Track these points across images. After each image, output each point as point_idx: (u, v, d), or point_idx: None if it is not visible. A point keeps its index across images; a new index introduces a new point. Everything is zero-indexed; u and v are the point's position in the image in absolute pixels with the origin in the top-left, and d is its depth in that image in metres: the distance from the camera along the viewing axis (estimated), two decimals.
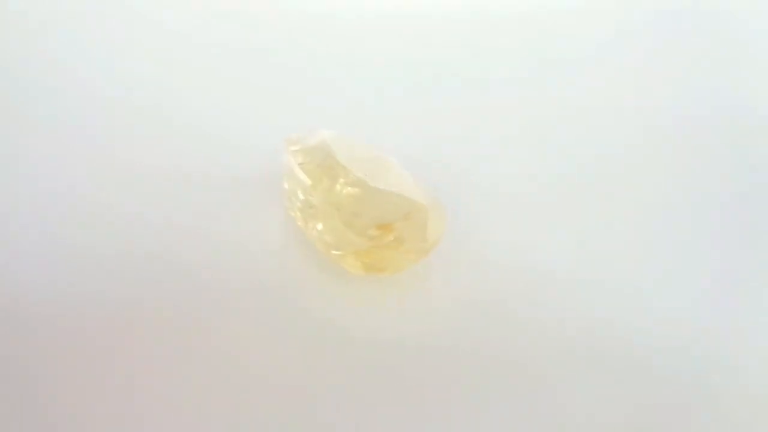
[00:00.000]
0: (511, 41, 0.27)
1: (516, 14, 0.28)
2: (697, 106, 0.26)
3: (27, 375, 0.21)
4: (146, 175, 0.24)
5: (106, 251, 0.22)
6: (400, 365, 0.22)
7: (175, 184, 0.24)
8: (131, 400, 0.21)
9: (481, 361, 0.22)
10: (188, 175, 0.24)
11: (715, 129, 0.26)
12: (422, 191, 0.22)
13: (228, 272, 0.22)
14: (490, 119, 0.26)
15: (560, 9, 0.28)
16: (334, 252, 0.22)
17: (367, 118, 0.25)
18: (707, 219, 0.24)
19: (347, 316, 0.22)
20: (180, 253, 0.23)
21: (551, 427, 0.21)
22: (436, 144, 0.25)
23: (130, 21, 0.27)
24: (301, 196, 0.22)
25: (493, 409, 0.21)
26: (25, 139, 0.24)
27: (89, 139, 0.24)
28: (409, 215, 0.21)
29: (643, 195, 0.25)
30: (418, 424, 0.21)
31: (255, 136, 0.24)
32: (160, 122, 0.25)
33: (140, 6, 0.27)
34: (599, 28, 0.28)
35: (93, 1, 0.27)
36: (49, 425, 0.20)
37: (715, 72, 0.27)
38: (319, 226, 0.22)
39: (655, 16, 0.28)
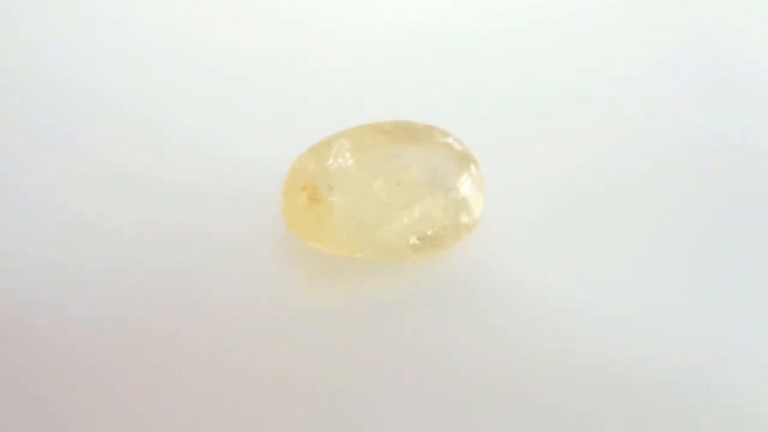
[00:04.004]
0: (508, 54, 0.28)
1: (516, 20, 0.28)
2: (715, 133, 0.26)
3: (29, 375, 0.21)
4: (145, 184, 0.24)
5: (104, 258, 0.23)
6: (399, 365, 0.21)
7: (174, 193, 0.24)
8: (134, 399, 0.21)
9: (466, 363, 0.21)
10: (187, 186, 0.24)
11: (730, 159, 0.25)
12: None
13: (224, 276, 0.23)
14: (498, 130, 0.26)
15: (565, 23, 0.28)
16: None
17: None
18: (713, 240, 0.24)
19: (344, 317, 0.22)
20: (177, 259, 0.23)
21: None
22: None
23: (135, 32, 0.28)
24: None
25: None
26: (28, 152, 0.25)
27: (89, 150, 0.25)
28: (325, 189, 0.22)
29: (641, 211, 0.24)
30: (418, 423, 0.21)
31: (254, 147, 0.25)
32: (159, 133, 0.25)
33: (145, 19, 0.28)
34: (610, 54, 0.28)
35: (96, 11, 0.28)
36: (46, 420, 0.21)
37: (725, 98, 0.27)
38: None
39: (670, 43, 0.28)
